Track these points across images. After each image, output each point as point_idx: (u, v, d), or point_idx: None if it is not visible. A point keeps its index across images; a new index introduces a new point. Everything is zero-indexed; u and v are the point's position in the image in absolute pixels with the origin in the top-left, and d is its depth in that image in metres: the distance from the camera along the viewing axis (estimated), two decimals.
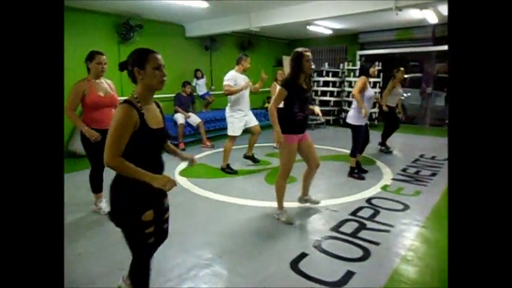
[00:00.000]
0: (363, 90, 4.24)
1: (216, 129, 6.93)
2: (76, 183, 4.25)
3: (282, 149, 3.04)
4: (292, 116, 2.95)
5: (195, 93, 7.23)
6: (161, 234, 1.78)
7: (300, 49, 2.98)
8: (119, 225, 1.66)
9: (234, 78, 4.49)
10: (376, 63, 4.55)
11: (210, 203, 3.63)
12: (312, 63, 3.01)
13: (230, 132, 4.62)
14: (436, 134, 7.42)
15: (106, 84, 3.23)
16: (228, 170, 4.64)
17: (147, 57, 1.59)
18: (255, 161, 5.10)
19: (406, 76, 6.39)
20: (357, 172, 4.40)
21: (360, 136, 4.34)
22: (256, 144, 5.13)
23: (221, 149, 5.02)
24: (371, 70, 4.33)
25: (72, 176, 4.51)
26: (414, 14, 6.18)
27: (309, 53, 2.95)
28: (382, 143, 5.79)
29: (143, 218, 1.60)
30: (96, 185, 3.33)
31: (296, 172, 4.64)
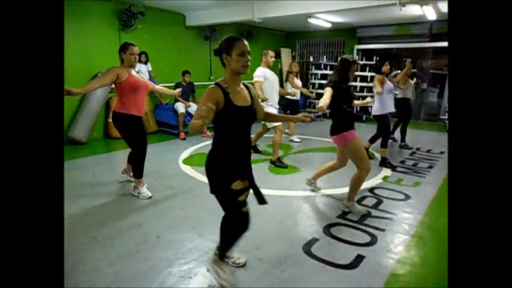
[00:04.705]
0: (382, 85, 4.63)
1: None
2: (78, 171, 4.27)
3: (352, 147, 3.02)
4: (345, 113, 3.03)
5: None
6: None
7: (349, 58, 3.04)
8: (213, 193, 1.93)
9: (263, 74, 4.57)
10: (387, 61, 4.83)
11: None
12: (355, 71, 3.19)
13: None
14: (430, 129, 7.63)
15: (137, 73, 3.43)
16: (278, 164, 4.62)
17: (234, 44, 1.78)
18: (258, 151, 5.21)
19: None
20: (389, 162, 4.61)
21: (388, 125, 4.62)
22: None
23: None
24: (383, 68, 4.71)
25: (75, 163, 4.51)
26: (413, 10, 6.28)
27: (355, 65, 3.07)
28: (402, 140, 5.90)
29: (233, 187, 1.87)
30: (140, 172, 3.43)
31: (301, 163, 4.77)
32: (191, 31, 7.51)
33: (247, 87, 1.97)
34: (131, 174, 3.76)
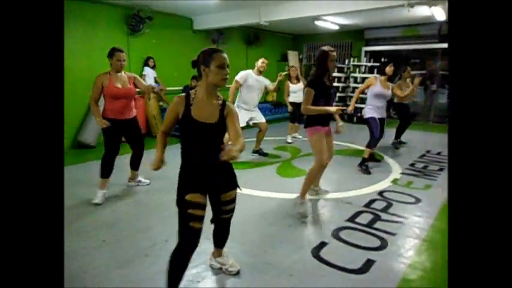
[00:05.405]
0: (367, 88, 4.58)
1: None
2: (87, 174, 4.30)
3: (313, 139, 3.16)
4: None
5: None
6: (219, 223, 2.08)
7: (325, 48, 3.08)
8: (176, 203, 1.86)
9: (245, 76, 4.73)
10: (392, 63, 4.68)
11: None
12: (336, 62, 3.12)
13: None
14: (440, 131, 7.51)
15: (126, 77, 3.41)
16: (262, 153, 5.16)
17: (213, 56, 1.74)
18: (264, 154, 5.18)
19: (413, 73, 6.49)
20: (366, 166, 4.48)
21: (373, 127, 4.48)
22: (264, 138, 5.20)
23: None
24: (387, 69, 4.55)
25: (84, 166, 4.55)
26: (422, 11, 6.21)
27: (334, 53, 3.07)
28: (397, 138, 5.90)
29: (186, 198, 1.79)
30: (104, 171, 3.47)
31: (308, 165, 4.72)
32: (199, 35, 7.55)
33: (223, 105, 1.82)
34: (138, 179, 3.79)
